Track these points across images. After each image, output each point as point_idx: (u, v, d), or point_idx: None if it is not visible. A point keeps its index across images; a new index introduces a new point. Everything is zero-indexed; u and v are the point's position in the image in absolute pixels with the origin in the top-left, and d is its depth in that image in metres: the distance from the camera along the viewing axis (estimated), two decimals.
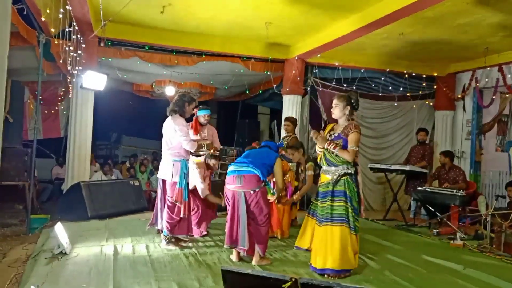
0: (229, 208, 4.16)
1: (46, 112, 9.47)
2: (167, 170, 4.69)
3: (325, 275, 3.77)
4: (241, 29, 6.93)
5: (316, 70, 8.16)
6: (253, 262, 4.14)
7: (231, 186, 4.14)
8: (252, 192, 4.07)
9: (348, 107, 3.89)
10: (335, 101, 3.96)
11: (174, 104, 4.71)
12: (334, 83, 8.16)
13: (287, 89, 8.00)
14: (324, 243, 3.77)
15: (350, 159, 3.77)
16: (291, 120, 5.89)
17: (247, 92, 9.16)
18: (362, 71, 8.13)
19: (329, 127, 4.13)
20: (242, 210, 4.04)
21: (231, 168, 4.21)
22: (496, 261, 4.74)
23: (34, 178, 6.85)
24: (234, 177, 4.12)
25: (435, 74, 8.50)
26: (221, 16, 6.29)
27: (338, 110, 3.94)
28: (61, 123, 9.48)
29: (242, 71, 8.05)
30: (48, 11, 4.56)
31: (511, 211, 5.40)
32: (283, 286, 1.22)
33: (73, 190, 6.21)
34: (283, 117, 8.03)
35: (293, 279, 1.25)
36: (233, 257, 4.24)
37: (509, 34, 6.30)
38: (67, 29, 5.33)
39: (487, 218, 5.33)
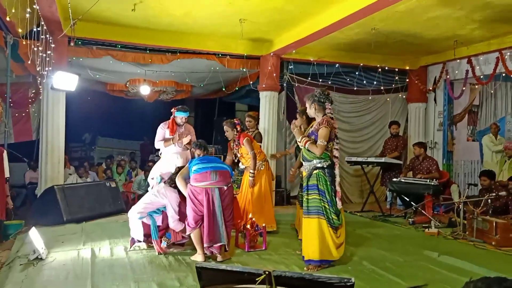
0: (197, 209, 4.05)
1: (16, 115, 9.16)
2: None
3: (309, 265, 3.91)
4: (215, 25, 6.89)
5: (292, 66, 8.21)
6: (220, 259, 4.15)
7: (204, 183, 4.06)
8: (225, 187, 4.13)
9: (314, 104, 4.03)
10: (306, 102, 4.17)
11: None
12: (309, 79, 8.23)
13: (264, 86, 8.02)
14: (305, 235, 3.96)
15: (318, 153, 3.89)
16: (252, 116, 5.98)
17: (224, 89, 9.12)
18: (336, 66, 8.23)
19: (312, 124, 4.26)
20: (218, 207, 4.05)
21: (199, 166, 4.13)
22: (469, 247, 4.90)
23: (7, 183, 6.67)
24: (208, 173, 4.08)
25: (407, 68, 8.69)
26: (194, 12, 6.23)
27: (309, 110, 4.13)
28: (32, 126, 9.20)
29: (217, 68, 8.01)
30: (13, 10, 4.41)
31: (482, 198, 5.59)
32: (257, 279, 1.24)
33: (47, 194, 6.06)
34: (260, 113, 8.06)
35: (267, 272, 1.27)
36: (198, 257, 4.15)
37: (477, 27, 6.49)
38: (35, 29, 5.18)
39: (460, 206, 5.50)
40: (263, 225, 4.75)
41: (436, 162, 7.17)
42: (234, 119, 5.56)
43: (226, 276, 1.32)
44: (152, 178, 5.09)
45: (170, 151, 5.33)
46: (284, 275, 1.26)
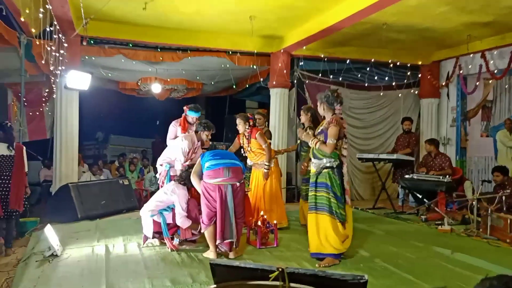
0: (211, 205, 4.05)
1: (30, 114, 9.32)
2: None
3: (318, 261, 4.01)
4: (225, 23, 6.90)
5: (302, 63, 8.17)
6: (232, 256, 4.16)
7: (217, 179, 4.04)
8: (238, 184, 4.12)
9: (323, 104, 4.13)
10: (317, 101, 4.25)
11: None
12: (320, 75, 8.19)
13: (274, 83, 8.01)
14: (311, 230, 4.06)
15: (328, 151, 3.97)
16: (262, 114, 5.99)
17: (234, 86, 9.14)
18: (347, 62, 8.17)
19: (322, 122, 4.29)
20: (230, 203, 4.04)
21: (212, 162, 4.09)
22: (483, 244, 4.85)
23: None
24: (221, 169, 4.05)
25: (420, 63, 8.58)
26: (204, 10, 6.25)
27: (319, 108, 4.24)
28: (46, 125, 9.35)
29: (228, 65, 8.03)
30: (27, 11, 4.48)
31: (496, 195, 5.50)
32: (270, 276, 1.25)
33: (61, 192, 6.16)
34: (271, 110, 8.06)
35: (280, 269, 1.28)
36: (211, 254, 4.15)
37: (491, 20, 6.38)
38: (48, 29, 5.25)
39: (474, 202, 5.44)
40: (274, 222, 4.76)
41: (449, 159, 7.08)
42: (248, 114, 5.59)
43: (240, 272, 1.33)
44: (161, 165, 5.10)
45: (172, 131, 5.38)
46: (297, 272, 1.27)
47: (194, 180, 4.24)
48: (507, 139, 7.66)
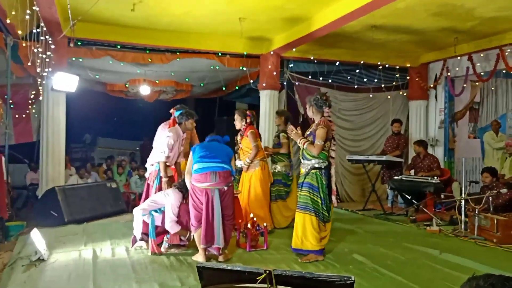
0: (198, 207, 4.03)
1: (17, 116, 9.17)
2: None
3: (302, 256, 4.16)
4: (215, 25, 6.89)
5: (292, 65, 8.20)
6: (221, 259, 4.13)
7: (204, 184, 4.01)
8: (226, 188, 4.09)
9: (312, 107, 4.26)
10: (307, 104, 4.37)
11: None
12: (310, 77, 8.22)
13: (264, 84, 8.01)
14: (295, 227, 4.23)
15: (315, 152, 4.08)
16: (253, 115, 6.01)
17: (224, 88, 9.12)
18: (337, 64, 8.21)
19: (312, 125, 4.36)
20: (217, 208, 4.01)
21: (200, 165, 4.05)
22: (470, 245, 4.91)
23: (7, 185, 6.66)
24: (208, 174, 4.01)
25: (408, 65, 8.67)
26: (194, 12, 6.23)
27: (308, 111, 4.38)
28: (33, 127, 9.21)
29: (217, 67, 8.00)
30: (13, 12, 4.41)
31: (484, 196, 5.57)
32: (257, 278, 1.24)
33: (48, 195, 6.06)
34: (261, 112, 8.06)
35: (267, 271, 1.27)
36: (199, 257, 4.11)
37: (478, 23, 6.47)
38: (35, 30, 5.18)
39: (461, 203, 5.49)
40: (264, 224, 4.74)
41: (437, 160, 7.15)
42: (247, 111, 5.59)
43: (227, 275, 1.32)
44: (151, 165, 5.04)
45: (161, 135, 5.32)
46: (285, 274, 1.26)
47: (187, 179, 4.19)
48: (493, 141, 7.77)
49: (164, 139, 4.76)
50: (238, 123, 5.38)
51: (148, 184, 5.00)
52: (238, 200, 5.01)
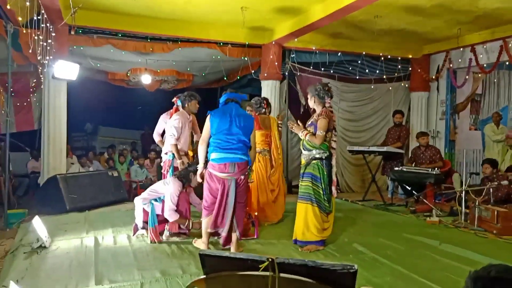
0: (214, 191, 3.95)
1: (18, 104, 9.16)
2: None
3: (303, 247, 4.14)
4: (217, 14, 6.83)
5: (294, 55, 8.14)
6: (233, 249, 4.06)
7: (223, 174, 3.89)
8: (242, 177, 4.00)
9: (314, 97, 4.23)
10: (308, 93, 4.34)
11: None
12: (311, 68, 8.18)
13: (265, 75, 7.98)
14: (297, 218, 4.24)
15: (317, 143, 4.08)
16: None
17: (225, 78, 9.08)
18: (339, 54, 8.17)
19: (313, 116, 4.34)
20: (231, 197, 3.92)
21: (219, 154, 3.88)
22: (470, 236, 4.92)
23: (9, 173, 6.68)
24: (227, 164, 3.87)
25: (410, 56, 8.62)
26: (196, 1, 6.18)
27: (309, 101, 4.35)
28: (34, 115, 9.20)
29: (219, 57, 7.96)
30: None
31: (484, 187, 5.58)
32: (260, 266, 1.25)
33: (50, 184, 6.09)
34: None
35: (270, 259, 1.28)
36: (202, 244, 4.10)
37: (481, 14, 6.41)
38: (35, 18, 5.14)
39: (462, 194, 5.51)
40: (255, 214, 4.78)
41: (439, 151, 7.16)
42: (264, 99, 5.59)
43: (230, 263, 1.33)
44: (166, 153, 5.13)
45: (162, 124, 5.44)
46: (287, 262, 1.27)
47: (201, 150, 4.00)
48: (493, 134, 7.75)
49: (172, 123, 4.89)
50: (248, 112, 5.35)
51: (163, 174, 5.09)
52: (250, 189, 5.02)
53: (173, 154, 5.02)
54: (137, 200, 4.49)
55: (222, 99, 4.13)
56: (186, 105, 5.00)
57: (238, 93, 4.28)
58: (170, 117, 5.41)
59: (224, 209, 3.95)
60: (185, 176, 4.50)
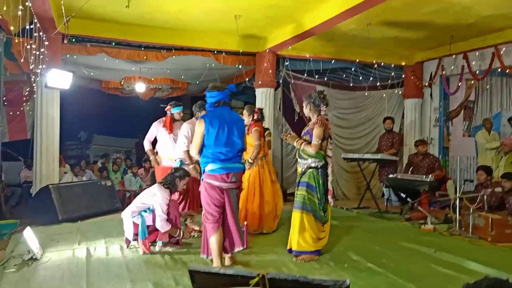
0: (217, 201, 3.68)
1: (11, 113, 9.11)
2: None
3: (297, 256, 4.09)
4: (210, 22, 6.85)
5: (288, 63, 8.17)
6: (228, 262, 3.88)
7: (225, 184, 3.67)
8: (240, 187, 3.90)
9: (309, 105, 4.22)
10: (303, 101, 4.32)
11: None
12: (305, 75, 8.20)
13: (260, 82, 7.99)
14: (292, 227, 4.20)
15: (313, 152, 4.05)
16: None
17: None
18: (332, 62, 8.20)
19: (309, 124, 4.33)
20: (235, 209, 3.77)
21: (219, 165, 3.65)
22: (465, 243, 4.92)
23: (1, 182, 6.61)
24: (229, 174, 3.66)
25: (403, 63, 8.67)
26: (189, 9, 6.19)
27: (305, 109, 4.32)
28: (27, 124, 9.15)
29: (213, 65, 7.97)
30: (5, 8, 4.36)
31: (478, 194, 5.58)
32: (250, 282, 1.22)
33: (42, 193, 6.02)
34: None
35: (260, 275, 1.25)
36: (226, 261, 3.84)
37: (473, 21, 6.47)
38: (28, 27, 5.12)
39: (456, 202, 5.51)
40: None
41: (438, 160, 7.20)
42: (256, 108, 5.56)
43: (220, 279, 1.30)
44: (175, 160, 5.20)
45: (165, 139, 5.49)
46: (278, 277, 1.25)
47: (195, 157, 3.82)
48: (485, 141, 7.76)
49: (183, 131, 5.05)
50: (245, 118, 5.32)
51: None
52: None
53: (181, 161, 5.10)
54: (126, 214, 4.42)
55: (210, 100, 3.80)
56: (197, 114, 5.17)
57: (223, 88, 3.84)
58: (163, 126, 5.44)
59: (237, 222, 3.76)
60: (171, 183, 4.46)
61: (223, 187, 3.67)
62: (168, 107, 5.46)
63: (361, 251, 4.42)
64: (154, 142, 5.77)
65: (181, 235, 4.37)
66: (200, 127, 3.70)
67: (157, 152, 5.63)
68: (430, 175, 6.39)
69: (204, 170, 3.74)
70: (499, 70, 7.33)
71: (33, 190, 6.77)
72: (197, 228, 5.12)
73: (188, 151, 4.93)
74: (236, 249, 3.82)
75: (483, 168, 6.43)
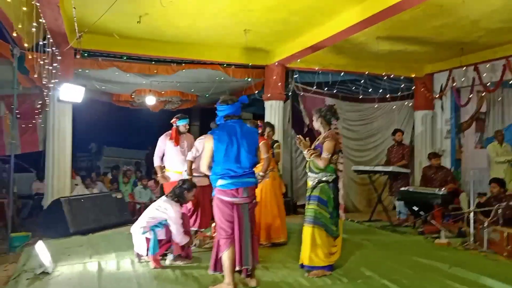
0: (229, 217, 3.60)
1: (23, 126, 9.22)
2: None
3: (309, 272, 4.03)
4: (220, 36, 6.91)
5: (297, 75, 8.19)
6: (253, 284, 3.72)
7: (235, 199, 3.59)
8: (254, 202, 3.76)
9: (320, 119, 4.20)
10: (313, 115, 4.29)
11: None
12: (315, 87, 8.20)
13: (269, 95, 8.01)
14: (303, 242, 4.15)
15: (322, 165, 4.03)
16: (271, 126, 5.91)
17: None
18: (342, 74, 8.20)
19: (319, 138, 4.29)
20: (247, 224, 3.62)
21: (230, 181, 3.59)
22: (480, 259, 4.82)
23: (13, 195, 6.66)
24: (240, 190, 3.59)
25: (413, 75, 8.64)
26: (199, 24, 6.26)
27: (315, 123, 4.31)
28: (39, 137, 9.25)
29: (222, 78, 8.03)
30: (20, 25, 4.44)
31: (493, 208, 5.47)
32: None
33: (53, 206, 6.06)
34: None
35: None
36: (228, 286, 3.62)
37: (483, 34, 6.45)
38: (41, 42, 5.21)
39: (470, 215, 5.41)
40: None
41: (451, 172, 7.11)
42: (258, 121, 5.49)
43: None
44: (185, 170, 5.25)
45: (173, 152, 5.48)
46: None
47: (190, 168, 3.98)
48: (495, 154, 7.63)
49: (197, 142, 5.13)
50: None
51: None
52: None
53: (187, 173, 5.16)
54: (136, 229, 4.41)
55: (220, 114, 3.77)
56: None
57: (234, 101, 3.76)
58: (171, 139, 5.45)
59: (243, 240, 3.59)
60: (179, 195, 4.47)
61: (235, 202, 3.61)
62: (174, 119, 5.47)
63: (374, 266, 4.35)
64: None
65: (197, 244, 4.34)
66: (208, 143, 3.68)
67: (164, 166, 5.62)
68: (443, 188, 6.31)
69: (215, 185, 3.69)
70: (510, 82, 7.26)
71: (44, 203, 6.80)
72: (208, 234, 5.14)
73: (191, 162, 5.08)
74: (237, 268, 3.61)
75: (496, 180, 6.32)
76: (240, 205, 3.62)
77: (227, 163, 3.60)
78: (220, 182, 3.62)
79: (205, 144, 3.74)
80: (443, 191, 6.21)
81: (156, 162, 5.54)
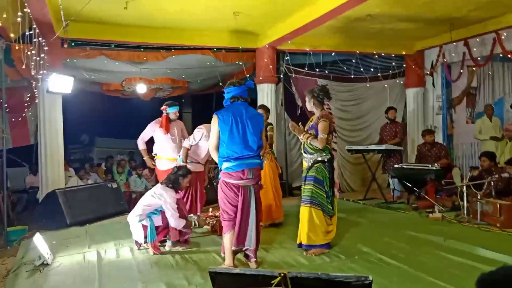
0: (232, 200, 3.64)
1: (13, 120, 9.10)
2: None
3: (307, 251, 4.11)
4: (209, 20, 6.82)
5: (288, 57, 8.14)
6: (254, 266, 3.75)
7: (241, 181, 3.61)
8: (259, 183, 3.78)
9: (313, 100, 4.20)
10: (306, 96, 4.30)
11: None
12: (306, 69, 8.17)
13: (260, 78, 7.97)
14: (300, 222, 4.20)
15: (320, 146, 4.05)
16: (265, 109, 5.93)
17: (221, 84, 9.06)
18: (333, 54, 8.17)
19: (312, 118, 4.34)
20: (252, 206, 3.64)
21: (235, 162, 3.60)
22: (474, 230, 4.92)
23: (7, 189, 6.62)
24: (245, 171, 3.60)
25: (404, 53, 8.63)
26: (188, 8, 6.16)
27: (308, 104, 4.30)
28: (30, 130, 9.14)
29: (213, 63, 7.95)
30: (5, 15, 4.35)
31: (485, 181, 5.56)
32: (272, 282, 1.22)
33: (49, 199, 6.03)
34: (258, 106, 8.01)
35: (282, 274, 1.25)
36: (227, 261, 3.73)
37: (473, 8, 6.43)
38: (27, 33, 5.11)
39: (463, 189, 5.50)
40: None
41: (445, 148, 7.18)
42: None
43: (241, 279, 1.30)
44: (179, 156, 5.31)
45: (163, 140, 5.55)
46: (300, 276, 1.25)
47: (214, 157, 3.77)
48: (477, 132, 7.71)
49: (196, 131, 5.15)
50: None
51: None
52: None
53: (181, 158, 5.21)
54: (132, 218, 4.43)
55: (227, 96, 3.80)
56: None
57: (241, 84, 3.82)
58: (161, 126, 5.46)
59: (246, 222, 3.63)
60: (175, 181, 4.49)
61: (240, 184, 3.62)
62: (164, 107, 5.46)
63: (370, 242, 4.42)
64: (151, 143, 5.82)
65: (197, 225, 4.38)
66: (214, 124, 3.69)
67: (156, 154, 5.63)
68: (436, 164, 6.39)
69: (220, 168, 3.70)
70: (500, 55, 7.29)
71: (39, 196, 6.78)
72: (211, 213, 5.19)
73: (187, 149, 5.12)
74: (233, 248, 3.66)
75: (485, 154, 6.40)
76: (246, 187, 3.63)
77: (232, 145, 3.61)
78: (226, 164, 3.64)
79: (212, 126, 3.75)
80: (436, 166, 6.28)
81: (140, 146, 5.65)
